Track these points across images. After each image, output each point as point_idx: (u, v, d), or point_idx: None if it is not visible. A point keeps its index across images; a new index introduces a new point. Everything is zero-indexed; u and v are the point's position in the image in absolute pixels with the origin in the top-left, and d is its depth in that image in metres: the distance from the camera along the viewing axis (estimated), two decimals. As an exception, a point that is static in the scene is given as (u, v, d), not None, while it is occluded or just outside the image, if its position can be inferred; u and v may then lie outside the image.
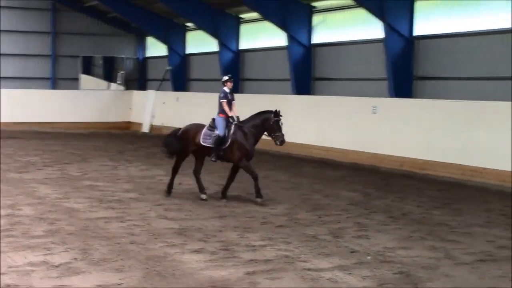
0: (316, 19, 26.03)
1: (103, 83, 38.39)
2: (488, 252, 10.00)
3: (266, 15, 26.43)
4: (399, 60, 21.64)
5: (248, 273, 8.73)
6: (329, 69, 25.48)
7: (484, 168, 17.44)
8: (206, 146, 14.19)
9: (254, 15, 28.58)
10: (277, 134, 13.92)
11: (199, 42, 33.53)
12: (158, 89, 35.42)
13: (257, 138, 14.25)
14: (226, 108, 14.22)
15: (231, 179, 14.34)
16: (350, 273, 8.80)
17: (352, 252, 9.96)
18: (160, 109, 34.23)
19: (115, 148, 25.41)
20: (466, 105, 18.76)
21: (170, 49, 34.80)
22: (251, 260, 9.39)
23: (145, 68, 39.49)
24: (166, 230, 11.20)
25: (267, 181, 16.51)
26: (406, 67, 21.74)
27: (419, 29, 21.67)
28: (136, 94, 37.23)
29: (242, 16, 30.34)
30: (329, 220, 12.37)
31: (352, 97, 23.03)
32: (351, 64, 24.24)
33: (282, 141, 13.94)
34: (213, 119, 14.30)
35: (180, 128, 14.84)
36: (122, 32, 38.38)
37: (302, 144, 24.02)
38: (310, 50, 26.11)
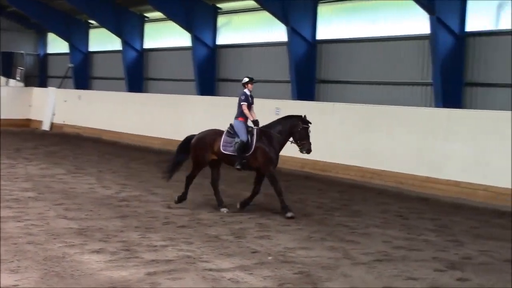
0: (220, 20, 26.13)
1: (1, 79, 37.18)
2: (384, 252, 10.28)
3: (170, 15, 26.32)
4: (302, 63, 21.98)
5: (149, 274, 8.66)
6: (233, 71, 25.59)
7: (383, 170, 17.92)
8: (227, 154, 13.25)
9: (158, 14, 28.39)
10: (304, 142, 13.15)
11: (102, 40, 33.04)
12: (59, 87, 34.60)
13: (282, 145, 13.38)
14: (246, 111, 13.34)
15: (256, 191, 13.42)
16: (251, 273, 8.86)
17: (253, 252, 10.03)
18: (61, 107, 33.46)
19: (13, 145, 24.65)
20: (365, 109, 19.23)
21: (71, 46, 34.11)
22: (152, 260, 9.32)
23: (46, 65, 38.56)
24: (66, 230, 10.97)
25: (169, 182, 16.39)
26: (309, 70, 22.11)
27: (321, 33, 22.08)
28: (36, 91, 36.24)
29: (146, 15, 30.10)
30: (231, 220, 12.41)
31: (256, 99, 23.12)
32: (255, 66, 24.42)
33: (309, 150, 13.20)
34: (231, 125, 13.43)
35: (193, 135, 13.84)
36: (22, 28, 37.32)
37: (205, 144, 24.01)
38: (215, 51, 26.16)
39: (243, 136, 13.15)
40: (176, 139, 25.46)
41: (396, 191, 16.68)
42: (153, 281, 8.37)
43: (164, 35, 29.22)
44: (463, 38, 17.84)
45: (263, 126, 13.36)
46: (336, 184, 17.88)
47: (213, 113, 24.08)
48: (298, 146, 13.26)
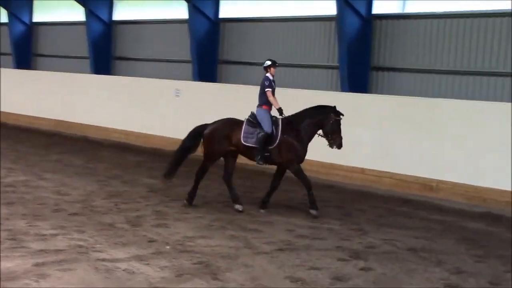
0: (118, -6, 25.69)
1: None
2: (287, 241, 10.42)
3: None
4: (204, 42, 21.89)
5: (37, 265, 8.47)
6: (131, 48, 25.26)
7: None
8: (248, 146, 12.59)
9: (50, -15, 27.65)
10: (336, 136, 12.53)
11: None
12: None
13: (310, 138, 12.77)
14: (272, 98, 12.69)
15: (275, 185, 12.90)
16: (147, 263, 8.81)
17: (150, 241, 9.97)
18: None
19: None
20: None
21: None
22: (41, 250, 9.12)
23: None
24: None
25: (60, 166, 16.08)
26: (211, 50, 22.06)
27: (225, 11, 22.05)
28: None
29: (36, -15, 29.26)
30: (127, 208, 12.29)
31: (155, 79, 23.00)
32: (154, 44, 24.19)
33: (340, 145, 12.60)
34: (252, 113, 12.78)
35: (204, 125, 13.09)
36: None
37: (100, 127, 23.69)
38: (111, 27, 25.72)
39: (267, 127, 12.50)
40: (68, 120, 25.11)
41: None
42: (42, 272, 8.19)
43: (56, 8, 28.47)
44: (369, 21, 18.21)
45: (290, 116, 12.72)
46: (239, 170, 17.90)
47: (109, 94, 23.74)
48: (328, 140, 12.63)
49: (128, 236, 10.23)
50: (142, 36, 24.86)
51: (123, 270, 8.49)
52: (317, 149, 17.12)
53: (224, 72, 22.28)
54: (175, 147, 20.06)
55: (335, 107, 12.68)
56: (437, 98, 16.32)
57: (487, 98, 15.90)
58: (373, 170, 16.45)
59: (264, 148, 12.45)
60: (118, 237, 10.09)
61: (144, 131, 22.32)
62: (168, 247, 9.69)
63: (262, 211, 12.61)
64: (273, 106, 12.81)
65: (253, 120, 12.66)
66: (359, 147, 16.71)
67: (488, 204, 14.05)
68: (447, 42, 16.95)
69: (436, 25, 17.16)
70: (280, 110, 12.65)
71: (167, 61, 23.70)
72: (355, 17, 17.97)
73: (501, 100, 15.63)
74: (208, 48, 21.98)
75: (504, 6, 15.74)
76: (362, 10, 18.03)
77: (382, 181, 16.13)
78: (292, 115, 12.73)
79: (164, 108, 21.80)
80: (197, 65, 21.89)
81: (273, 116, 12.76)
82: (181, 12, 22.42)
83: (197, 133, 13.03)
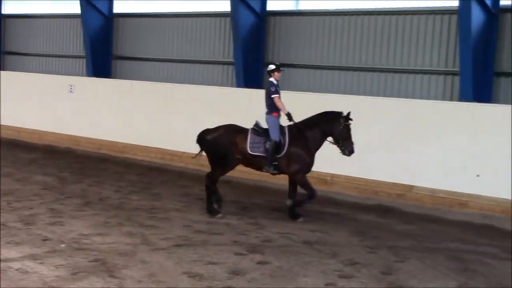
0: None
1: None
2: (184, 236, 10.39)
3: None
4: (98, 37, 21.55)
5: None
6: (23, 43, 24.59)
7: (184, 152, 18.06)
8: (255, 155, 12.16)
9: None
10: (347, 142, 12.04)
11: None
12: None
13: (319, 146, 12.32)
14: (280, 104, 12.16)
15: (293, 190, 12.33)
16: (42, 263, 8.60)
17: (44, 240, 9.74)
18: None
19: None
20: (165, 88, 19.22)
21: None
22: None
23: None
24: None
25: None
26: (105, 46, 21.73)
27: (118, 6, 21.78)
28: None
29: None
30: (20, 206, 11.96)
31: (47, 75, 22.46)
32: (47, 39, 23.62)
33: (352, 151, 12.09)
34: (257, 122, 12.32)
35: (208, 130, 12.62)
36: None
37: (-10, 124, 22.96)
38: (0, 22, 24.95)
39: (275, 135, 12.06)
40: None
41: (198, 174, 16.88)
42: None
43: None
44: (263, 17, 18.36)
45: (297, 123, 12.27)
46: (134, 166, 17.78)
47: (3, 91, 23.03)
48: (339, 147, 12.15)
49: (21, 235, 9.96)
50: (34, 30, 24.23)
51: (16, 270, 8.26)
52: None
53: (118, 67, 21.99)
54: (69, 143, 19.70)
55: (343, 112, 12.14)
56: (329, 94, 16.62)
57: (377, 94, 16.36)
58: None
59: (273, 156, 12.04)
60: (11, 236, 9.81)
61: (37, 128, 21.75)
62: (63, 245, 9.49)
63: (300, 219, 12.05)
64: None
65: (258, 129, 12.25)
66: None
67: (380, 197, 14.44)
68: (339, 39, 17.33)
69: (328, 22, 17.51)
70: (289, 116, 12.19)
71: (60, 56, 23.21)
72: (249, 13, 18.09)
73: (391, 96, 16.12)
74: (102, 43, 21.66)
75: (395, 4, 16.29)
76: (256, 7, 18.17)
77: (278, 176, 16.27)
78: (300, 122, 12.28)
79: (57, 104, 21.32)
80: (90, 60, 21.53)
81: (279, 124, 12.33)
82: (75, 7, 21.98)
83: (201, 139, 12.64)
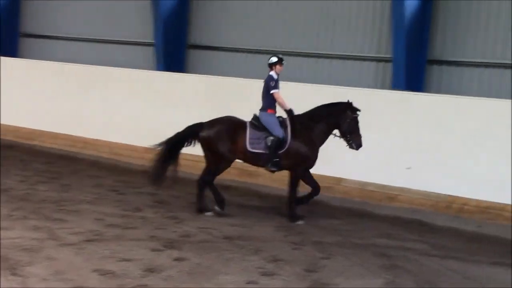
0: None
1: None
2: (96, 231, 10.29)
3: None
4: (3, 14, 21.13)
5: None
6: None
7: (97, 140, 17.88)
8: (255, 152, 11.90)
9: None
10: (355, 135, 11.88)
11: None
12: None
13: (323, 140, 12.13)
14: (280, 101, 11.97)
15: (294, 188, 12.13)
16: None
17: None
18: None
19: None
20: (77, 69, 18.95)
21: None
22: None
23: None
24: None
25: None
26: (10, 23, 21.37)
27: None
28: None
29: None
30: None
31: None
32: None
33: (360, 145, 11.95)
34: (256, 116, 12.05)
35: (201, 123, 12.29)
36: None
37: None
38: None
39: (278, 132, 11.81)
40: None
41: (112, 163, 16.75)
42: None
43: None
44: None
45: (299, 115, 12.07)
46: (42, 154, 17.49)
47: None
48: (346, 140, 12.01)
49: None
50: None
51: None
52: (132, 132, 17.04)
53: (25, 46, 21.57)
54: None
55: (351, 103, 11.98)
56: (254, 80, 16.69)
57: (306, 80, 16.52)
58: (190, 155, 16.54)
59: (275, 153, 11.82)
60: None
61: None
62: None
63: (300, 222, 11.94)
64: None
65: (257, 124, 11.99)
66: (176, 130, 16.75)
67: (307, 190, 14.54)
68: (267, 22, 17.48)
69: (255, 5, 17.58)
70: (290, 112, 12.04)
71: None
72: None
73: (321, 82, 16.31)
74: (7, 20, 21.22)
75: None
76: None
77: (199, 166, 16.27)
78: (303, 114, 12.11)
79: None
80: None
81: (280, 116, 12.17)
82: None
83: (190, 136, 12.41)
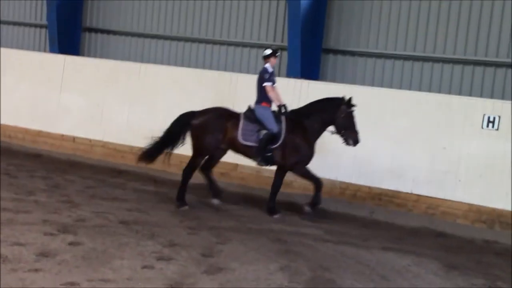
0: None
1: None
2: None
3: None
4: None
5: None
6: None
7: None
8: (246, 145, 11.55)
9: None
10: (351, 131, 11.49)
11: None
12: None
13: (318, 137, 11.77)
14: (272, 94, 11.61)
15: (277, 185, 11.87)
16: None
17: None
18: None
19: None
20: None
21: None
22: None
23: None
24: None
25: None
26: None
27: None
28: None
29: None
30: None
31: None
32: None
33: (357, 141, 11.55)
34: (250, 108, 11.69)
35: (192, 112, 11.87)
36: None
37: None
38: None
39: (273, 126, 11.52)
40: None
41: (3, 146, 16.30)
42: None
43: None
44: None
45: (293, 111, 11.76)
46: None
47: None
48: (342, 137, 11.64)
49: None
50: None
51: None
52: (25, 115, 16.65)
53: None
54: None
55: (345, 98, 11.65)
56: (160, 65, 16.59)
57: (203, 66, 16.52)
58: (84, 139, 16.31)
59: (266, 147, 11.56)
60: None
61: None
62: None
63: (276, 216, 11.81)
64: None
65: (250, 116, 11.70)
66: (69, 114, 16.47)
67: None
68: (166, 8, 17.32)
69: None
70: (284, 107, 11.73)
71: None
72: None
73: (217, 69, 16.34)
74: None
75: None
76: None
77: (94, 150, 16.05)
78: (297, 110, 11.86)
79: None
80: None
81: (274, 110, 11.84)
82: None
83: (185, 124, 11.99)
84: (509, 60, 14.08)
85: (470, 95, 14.16)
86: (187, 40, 17.11)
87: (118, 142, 15.85)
